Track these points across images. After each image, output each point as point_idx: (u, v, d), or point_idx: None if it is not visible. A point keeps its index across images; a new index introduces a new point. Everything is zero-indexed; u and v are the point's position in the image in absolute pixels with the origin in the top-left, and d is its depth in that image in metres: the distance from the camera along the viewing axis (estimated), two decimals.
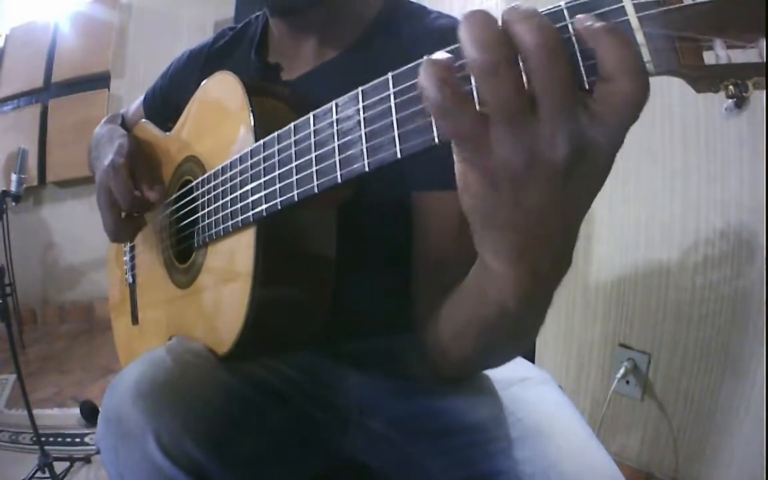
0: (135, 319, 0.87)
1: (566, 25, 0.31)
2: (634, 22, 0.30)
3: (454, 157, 0.36)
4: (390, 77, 0.40)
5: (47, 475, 1.50)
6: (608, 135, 0.32)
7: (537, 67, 0.30)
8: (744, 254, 1.24)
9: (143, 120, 0.91)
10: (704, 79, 0.29)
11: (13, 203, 2.43)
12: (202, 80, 0.71)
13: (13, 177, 2.39)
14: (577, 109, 0.31)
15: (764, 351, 1.20)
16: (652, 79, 0.31)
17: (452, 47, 0.34)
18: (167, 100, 0.87)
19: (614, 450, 1.47)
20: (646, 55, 0.29)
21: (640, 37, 0.30)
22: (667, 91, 1.31)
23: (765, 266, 1.19)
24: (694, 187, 1.31)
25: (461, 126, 0.33)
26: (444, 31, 0.68)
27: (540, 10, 0.32)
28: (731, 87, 0.29)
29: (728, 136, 1.23)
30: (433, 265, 0.63)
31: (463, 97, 0.32)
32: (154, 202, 0.70)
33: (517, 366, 0.68)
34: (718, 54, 0.29)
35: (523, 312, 0.43)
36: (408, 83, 0.39)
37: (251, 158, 0.55)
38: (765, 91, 0.31)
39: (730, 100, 0.29)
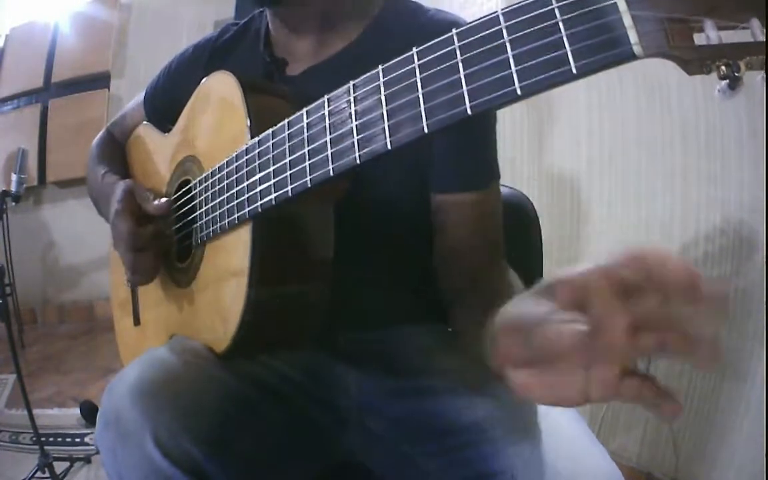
0: (137, 320, 0.87)
1: (553, 10, 0.31)
2: (622, 4, 0.29)
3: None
4: (380, 70, 0.40)
5: (47, 475, 1.50)
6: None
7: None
8: (744, 254, 1.24)
9: (142, 124, 0.90)
10: (695, 60, 0.28)
11: (13, 203, 2.44)
12: (207, 75, 0.71)
13: (13, 177, 2.39)
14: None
15: (764, 351, 1.20)
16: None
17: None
18: (170, 96, 0.86)
19: (614, 450, 1.47)
20: (634, 37, 0.29)
21: (627, 20, 0.29)
22: (666, 91, 1.30)
23: (765, 266, 1.18)
24: (694, 187, 1.30)
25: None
26: (441, 27, 0.68)
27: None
28: (723, 68, 0.28)
29: (728, 136, 1.23)
30: (452, 254, 0.70)
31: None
32: (160, 213, 0.71)
33: None
34: (708, 35, 0.28)
35: None
36: (397, 75, 0.39)
37: (246, 155, 0.55)
38: (765, 85, 0.30)
39: (723, 82, 0.29)
